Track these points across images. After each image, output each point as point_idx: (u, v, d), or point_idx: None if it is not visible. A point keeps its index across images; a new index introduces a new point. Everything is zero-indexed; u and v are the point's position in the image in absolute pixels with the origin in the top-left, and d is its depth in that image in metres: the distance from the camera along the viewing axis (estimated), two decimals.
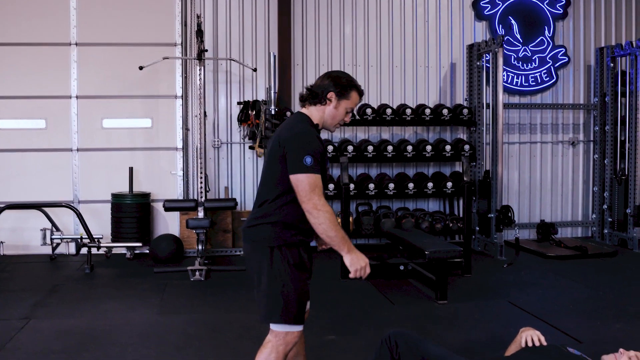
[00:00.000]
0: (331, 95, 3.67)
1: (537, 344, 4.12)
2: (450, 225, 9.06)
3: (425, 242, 6.89)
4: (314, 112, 3.71)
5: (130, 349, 5.13)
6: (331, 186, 8.73)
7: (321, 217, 3.45)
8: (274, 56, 8.69)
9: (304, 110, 3.75)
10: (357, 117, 9.06)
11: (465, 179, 8.08)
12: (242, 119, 9.18)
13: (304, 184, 3.46)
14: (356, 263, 3.52)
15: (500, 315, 6.16)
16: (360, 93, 3.76)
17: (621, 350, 4.08)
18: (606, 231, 10.00)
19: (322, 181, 3.56)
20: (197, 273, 7.54)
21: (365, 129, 9.66)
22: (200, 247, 7.89)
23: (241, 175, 9.53)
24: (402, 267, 7.61)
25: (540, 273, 7.94)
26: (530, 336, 4.17)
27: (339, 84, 3.69)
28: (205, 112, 8.53)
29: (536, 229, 9.88)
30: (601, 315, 6.12)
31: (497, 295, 6.89)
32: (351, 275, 3.54)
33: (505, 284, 7.40)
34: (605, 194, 10.03)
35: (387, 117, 9.14)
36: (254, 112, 9.00)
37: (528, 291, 7.03)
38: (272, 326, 3.54)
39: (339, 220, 8.17)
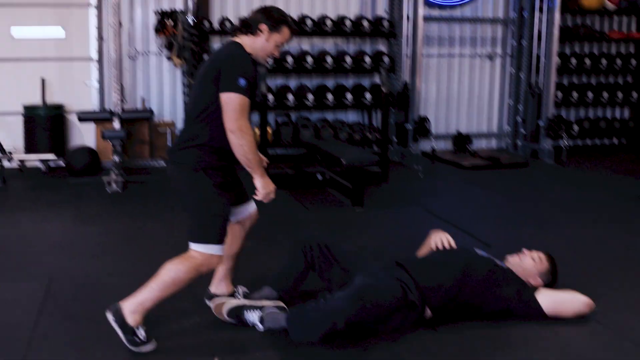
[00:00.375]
0: (263, 27, 3.71)
1: (446, 246, 4.29)
2: (369, 136, 9.16)
3: (342, 151, 6.97)
4: (246, 42, 3.73)
5: (44, 257, 5.08)
6: None
7: (244, 140, 3.50)
8: None
9: (237, 40, 3.75)
10: None
11: (383, 90, 8.14)
12: (159, 28, 8.93)
13: (234, 103, 3.49)
14: (266, 187, 3.67)
15: (413, 221, 6.34)
16: (292, 30, 3.81)
17: (524, 250, 4.30)
18: (519, 143, 10.30)
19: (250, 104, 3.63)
20: (113, 184, 7.45)
21: None
22: (116, 158, 7.77)
23: (158, 86, 9.34)
24: (319, 177, 7.70)
25: (454, 182, 8.17)
26: (440, 239, 4.34)
27: (272, 17, 3.74)
28: (120, 22, 8.27)
29: (452, 140, 10.09)
30: (510, 221, 6.37)
31: (412, 202, 7.06)
32: (258, 197, 3.68)
33: (420, 192, 7.59)
34: (519, 107, 10.28)
35: (307, 28, 9.05)
36: (171, 22, 8.77)
37: (442, 199, 7.23)
38: (197, 246, 3.57)
39: (257, 131, 8.16)
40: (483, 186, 7.89)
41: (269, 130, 8.27)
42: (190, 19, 8.36)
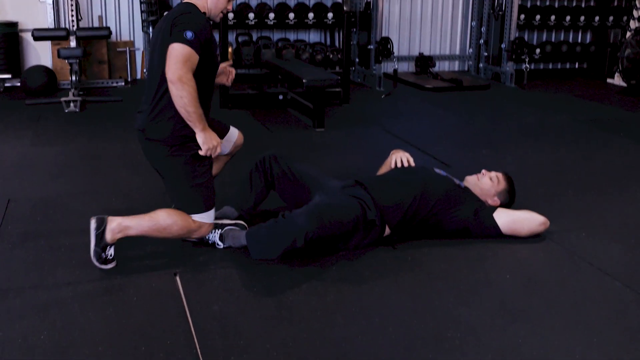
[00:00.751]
0: None
1: (405, 164, 4.32)
2: (331, 56, 9.07)
3: (304, 71, 6.91)
4: (199, 3, 3.63)
5: (1, 179, 5.01)
6: None
7: (184, 91, 3.38)
8: None
9: (190, 0, 3.65)
10: None
11: (345, 8, 8.03)
12: None
13: (177, 52, 3.39)
14: (209, 142, 3.56)
15: (374, 142, 6.36)
16: None
17: (483, 171, 4.35)
18: (481, 65, 10.30)
19: (210, 70, 3.61)
20: (71, 104, 7.32)
21: None
22: (74, 77, 7.62)
23: (115, 3, 9.09)
24: (281, 97, 7.66)
25: (416, 103, 8.18)
26: (400, 157, 4.36)
27: None
28: None
29: (415, 62, 10.05)
30: (470, 142, 6.43)
31: (373, 123, 7.07)
32: (202, 153, 3.57)
33: (382, 113, 7.59)
34: (482, 29, 10.24)
35: None
36: None
37: (403, 120, 7.25)
38: (194, 217, 3.63)
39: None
40: (444, 108, 7.92)
41: (230, 49, 8.13)
42: None
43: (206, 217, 3.67)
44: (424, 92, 8.92)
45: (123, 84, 8.88)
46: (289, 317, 3.14)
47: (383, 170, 4.44)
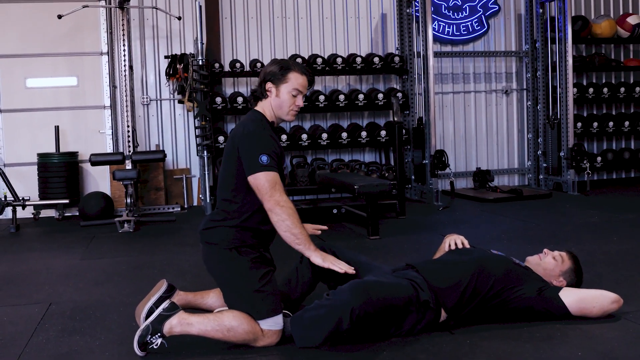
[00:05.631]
0: (269, 85, 3.59)
1: (460, 246, 4.06)
2: (386, 175, 8.96)
3: (355, 179, 6.80)
4: (265, 109, 3.62)
5: (47, 287, 4.92)
6: None
7: (284, 214, 3.35)
8: (199, 5, 8.44)
9: (257, 108, 3.65)
10: None
11: (395, 119, 8.00)
12: (170, 73, 8.95)
13: (263, 181, 3.36)
14: (326, 260, 3.44)
15: (430, 244, 6.07)
16: (303, 72, 3.63)
17: (545, 250, 4.06)
18: (541, 177, 10.05)
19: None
20: (125, 224, 7.33)
21: None
22: (128, 200, 7.65)
23: (172, 131, 9.30)
24: (335, 211, 7.53)
25: (475, 213, 7.93)
26: (454, 240, 4.11)
27: (271, 71, 3.60)
28: (131, 66, 8.30)
29: (473, 177, 9.87)
30: (531, 240, 6.12)
31: (430, 230, 6.84)
32: (342, 270, 3.44)
33: (439, 222, 7.36)
34: (539, 140, 10.08)
35: (317, 66, 8.99)
36: (182, 66, 8.77)
37: (461, 227, 6.99)
38: (262, 324, 3.39)
39: None
40: (505, 215, 7.65)
41: (285, 172, 8.13)
42: (200, 59, 8.34)
43: (271, 324, 3.39)
44: (483, 203, 8.68)
45: (179, 209, 8.91)
46: None
47: (437, 255, 4.18)
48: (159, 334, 3.29)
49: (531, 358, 3.22)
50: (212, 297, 3.79)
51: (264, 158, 3.35)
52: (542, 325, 3.62)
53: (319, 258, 3.39)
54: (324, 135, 8.86)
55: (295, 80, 3.57)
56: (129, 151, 7.88)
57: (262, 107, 3.62)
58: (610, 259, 5.23)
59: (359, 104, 9.03)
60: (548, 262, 3.94)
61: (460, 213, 7.94)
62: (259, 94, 3.63)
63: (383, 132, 9.03)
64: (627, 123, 10.00)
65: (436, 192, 8.76)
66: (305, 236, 3.39)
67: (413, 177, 9.37)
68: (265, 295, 3.39)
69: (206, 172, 8.63)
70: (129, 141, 7.94)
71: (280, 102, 3.58)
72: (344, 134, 8.95)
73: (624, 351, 3.27)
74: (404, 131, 8.92)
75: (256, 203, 3.45)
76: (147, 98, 9.17)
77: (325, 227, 3.98)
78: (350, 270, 3.38)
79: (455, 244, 4.06)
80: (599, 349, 3.30)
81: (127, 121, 7.97)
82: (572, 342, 3.40)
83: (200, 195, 9.01)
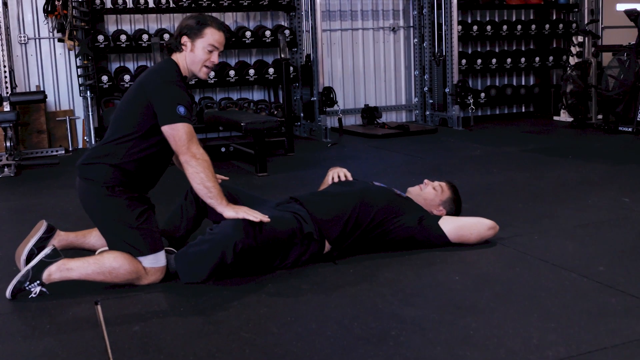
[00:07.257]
0: (184, 39, 3.48)
1: (343, 179, 4.09)
2: (275, 112, 8.88)
3: (243, 117, 6.72)
4: (180, 62, 3.50)
5: None
6: None
7: (199, 167, 3.28)
8: None
9: (173, 57, 3.52)
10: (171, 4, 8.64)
11: (283, 56, 7.92)
12: (49, 9, 8.47)
13: (182, 133, 3.27)
14: (238, 212, 3.30)
15: (317, 179, 6.08)
16: (220, 28, 3.53)
17: (426, 180, 4.14)
18: (428, 113, 10.23)
19: None
20: (5, 169, 6.99)
21: (178, 16, 9.15)
22: (8, 143, 7.29)
23: (53, 72, 8.85)
24: (223, 149, 7.43)
25: (363, 149, 8.01)
26: (336, 173, 4.15)
27: (188, 25, 3.49)
28: (5, 3, 7.85)
29: (361, 114, 9.94)
30: (415, 173, 6.23)
31: (318, 166, 6.85)
32: (257, 219, 3.30)
33: (327, 158, 7.38)
34: (425, 77, 10.23)
35: (203, 2, 8.74)
36: (61, 2, 8.33)
37: (349, 162, 7.03)
38: (143, 260, 3.32)
39: None
40: (392, 150, 7.76)
41: None
42: None
43: (151, 260, 3.33)
44: (371, 139, 8.77)
45: (63, 152, 8.58)
46: (217, 330, 2.84)
47: (321, 188, 4.20)
48: (38, 282, 3.20)
49: (412, 284, 3.31)
50: (95, 237, 3.68)
51: (182, 109, 3.29)
52: (423, 252, 3.71)
53: (231, 211, 3.32)
54: (212, 74, 8.67)
55: (212, 35, 3.50)
56: (7, 92, 7.50)
57: (177, 58, 3.51)
58: (490, 189, 5.41)
59: (247, 41, 8.87)
60: (428, 192, 4.03)
61: (348, 149, 8.01)
62: (174, 47, 3.52)
63: (271, 70, 8.92)
64: (509, 60, 10.26)
65: (325, 129, 8.78)
66: (218, 190, 3.32)
67: (302, 114, 9.35)
68: (144, 232, 3.32)
69: (90, 113, 8.33)
70: (6, 82, 7.56)
71: (194, 57, 3.49)
72: (232, 72, 8.79)
73: (498, 274, 3.40)
74: (292, 69, 8.85)
75: (145, 150, 3.38)
76: (24, 37, 8.69)
77: (226, 178, 3.94)
78: (265, 219, 3.32)
79: (339, 177, 4.09)
80: (475, 272, 3.43)
81: (4, 61, 7.58)
82: (450, 268, 3.51)
83: (85, 137, 8.70)
